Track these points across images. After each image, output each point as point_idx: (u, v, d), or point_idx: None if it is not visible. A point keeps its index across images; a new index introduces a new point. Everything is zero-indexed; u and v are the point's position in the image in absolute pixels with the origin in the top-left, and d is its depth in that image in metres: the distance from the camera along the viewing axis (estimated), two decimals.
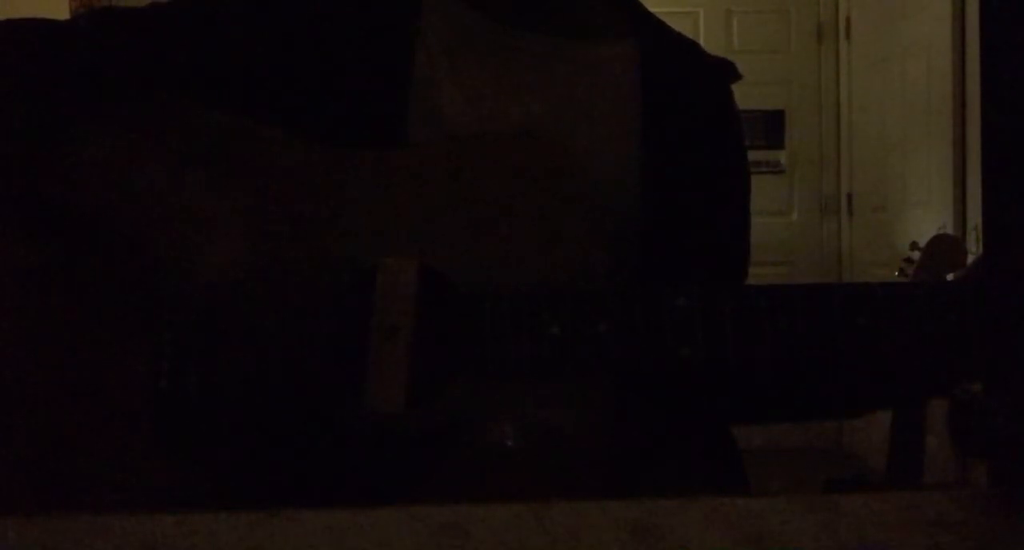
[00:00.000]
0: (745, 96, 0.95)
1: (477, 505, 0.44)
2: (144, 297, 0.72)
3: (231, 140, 0.76)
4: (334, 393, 0.70)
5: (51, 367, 0.71)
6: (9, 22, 0.80)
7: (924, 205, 3.76)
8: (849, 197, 4.64)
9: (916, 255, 0.87)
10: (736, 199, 0.93)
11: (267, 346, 0.70)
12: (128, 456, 0.70)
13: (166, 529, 0.42)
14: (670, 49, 0.93)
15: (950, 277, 0.83)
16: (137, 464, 0.70)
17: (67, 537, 0.42)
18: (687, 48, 0.96)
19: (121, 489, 0.70)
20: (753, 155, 0.98)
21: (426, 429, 0.69)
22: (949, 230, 3.39)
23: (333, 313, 0.71)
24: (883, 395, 0.88)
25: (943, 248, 0.83)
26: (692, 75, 0.93)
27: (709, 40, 4.45)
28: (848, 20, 4.63)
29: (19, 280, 0.73)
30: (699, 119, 0.90)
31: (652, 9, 0.95)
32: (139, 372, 0.71)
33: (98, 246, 0.73)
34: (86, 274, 0.73)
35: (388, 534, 0.42)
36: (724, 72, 0.95)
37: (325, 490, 0.69)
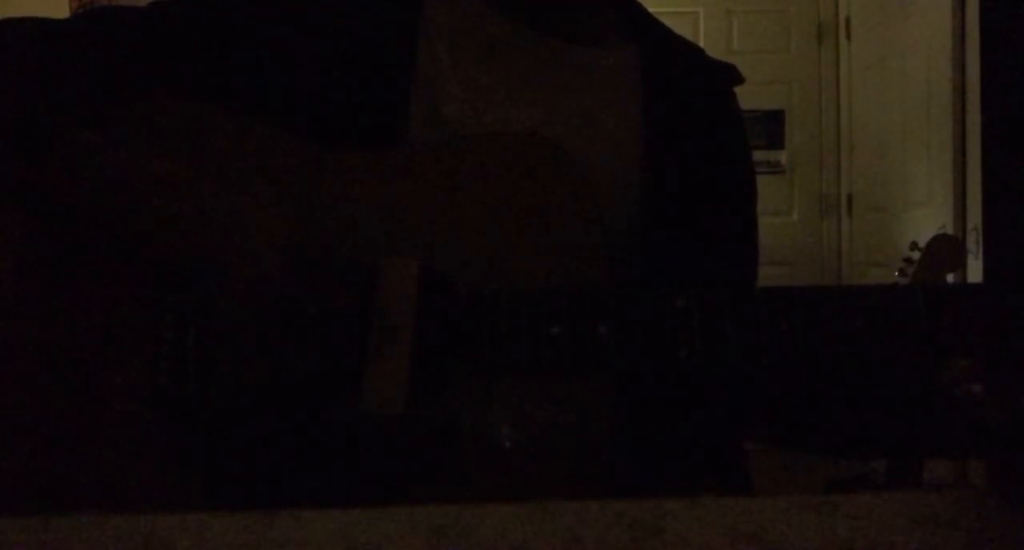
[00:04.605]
0: (745, 96, 0.95)
1: (477, 505, 0.44)
2: (144, 297, 0.72)
3: (230, 139, 0.76)
4: (334, 393, 0.70)
5: (51, 366, 0.71)
6: (9, 22, 0.80)
7: (924, 205, 3.76)
8: (849, 197, 4.64)
9: (916, 255, 0.86)
10: (740, 203, 0.93)
11: (267, 345, 0.70)
12: (128, 456, 0.70)
13: (166, 529, 0.42)
14: (672, 53, 0.93)
15: (950, 277, 0.83)
16: (137, 464, 0.70)
17: (67, 537, 0.42)
18: (689, 52, 0.96)
19: (121, 489, 0.70)
20: (753, 155, 0.98)
21: (426, 429, 0.69)
22: (949, 230, 3.39)
23: (333, 312, 0.71)
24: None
25: (943, 248, 0.83)
26: (694, 79, 0.93)
27: (709, 40, 4.46)
28: (848, 20, 4.62)
29: (20, 279, 0.73)
30: (701, 122, 0.90)
31: (652, 9, 0.95)
32: (139, 371, 0.71)
33: (99, 246, 0.73)
34: (87, 274, 0.73)
35: (388, 534, 0.42)
36: (726, 75, 0.95)
37: (325, 490, 0.69)
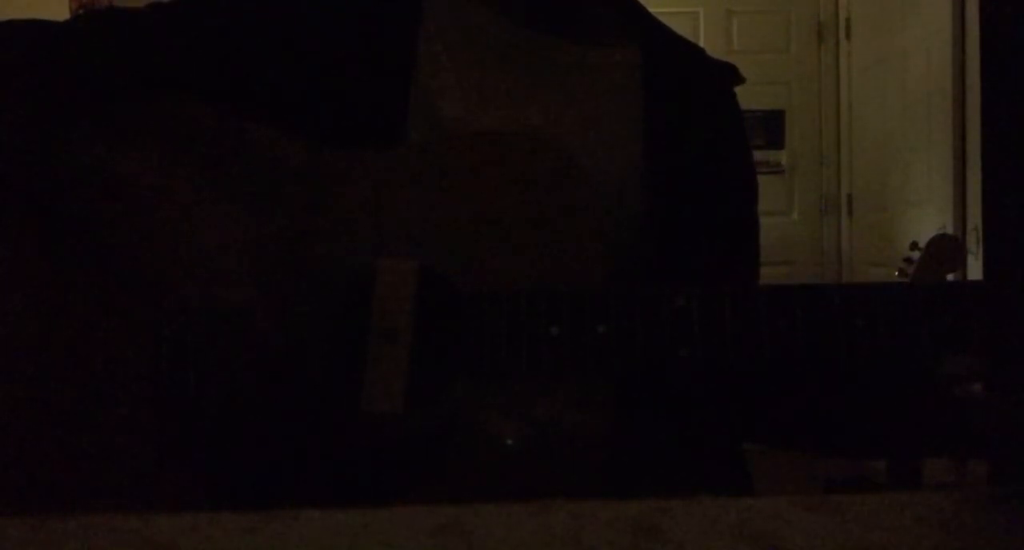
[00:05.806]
0: (745, 96, 0.95)
1: (477, 505, 0.44)
2: (145, 298, 0.72)
3: (231, 140, 0.76)
4: (333, 394, 0.70)
5: (51, 368, 0.71)
6: (9, 22, 0.80)
7: (924, 205, 3.76)
8: (849, 197, 4.64)
9: (916, 255, 0.86)
10: (741, 202, 0.93)
11: (267, 347, 0.70)
12: (128, 457, 0.70)
13: (166, 529, 0.42)
14: (673, 53, 0.94)
15: (950, 277, 0.83)
16: (137, 465, 0.70)
17: (67, 537, 0.42)
18: (690, 52, 0.96)
19: (121, 490, 0.70)
20: (753, 155, 0.99)
21: (426, 429, 0.69)
22: (949, 230, 3.39)
23: (332, 314, 0.71)
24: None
25: (943, 248, 0.83)
26: (695, 79, 0.93)
27: (709, 40, 4.45)
28: (848, 20, 4.62)
29: (19, 281, 0.73)
30: (702, 122, 0.90)
31: (652, 9, 0.95)
32: (139, 373, 0.71)
33: (98, 247, 0.73)
34: (86, 275, 0.73)
35: (388, 534, 0.42)
36: (727, 75, 0.95)
37: (325, 490, 0.69)
